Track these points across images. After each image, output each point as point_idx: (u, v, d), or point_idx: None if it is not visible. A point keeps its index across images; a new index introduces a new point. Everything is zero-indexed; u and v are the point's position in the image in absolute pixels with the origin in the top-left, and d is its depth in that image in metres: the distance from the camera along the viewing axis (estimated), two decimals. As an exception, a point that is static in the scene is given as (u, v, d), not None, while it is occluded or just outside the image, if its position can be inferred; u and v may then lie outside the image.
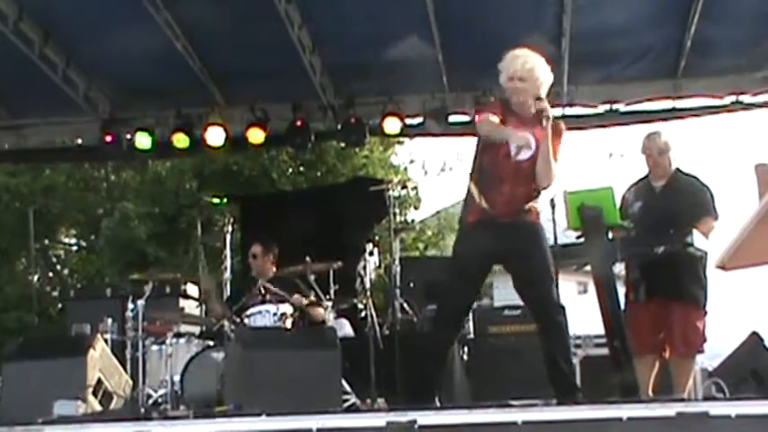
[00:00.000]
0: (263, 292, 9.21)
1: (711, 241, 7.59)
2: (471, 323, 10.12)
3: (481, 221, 6.85)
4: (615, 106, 11.42)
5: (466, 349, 9.98)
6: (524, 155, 6.71)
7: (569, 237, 7.60)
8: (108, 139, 11.82)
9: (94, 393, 6.67)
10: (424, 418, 5.39)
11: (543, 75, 6.91)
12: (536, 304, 6.92)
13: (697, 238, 7.53)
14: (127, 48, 10.48)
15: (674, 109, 11.39)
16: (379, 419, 5.47)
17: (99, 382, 6.76)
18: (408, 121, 11.66)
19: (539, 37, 10.22)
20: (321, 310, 9.21)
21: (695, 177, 7.90)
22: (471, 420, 5.35)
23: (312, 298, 9.23)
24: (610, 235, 7.35)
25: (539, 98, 6.84)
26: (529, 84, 6.84)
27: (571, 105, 11.45)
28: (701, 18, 10.00)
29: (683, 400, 6.74)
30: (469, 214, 6.96)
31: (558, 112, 11.27)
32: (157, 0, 9.72)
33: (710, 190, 7.82)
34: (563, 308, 6.80)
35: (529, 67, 6.86)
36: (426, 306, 10.52)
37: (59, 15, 10.14)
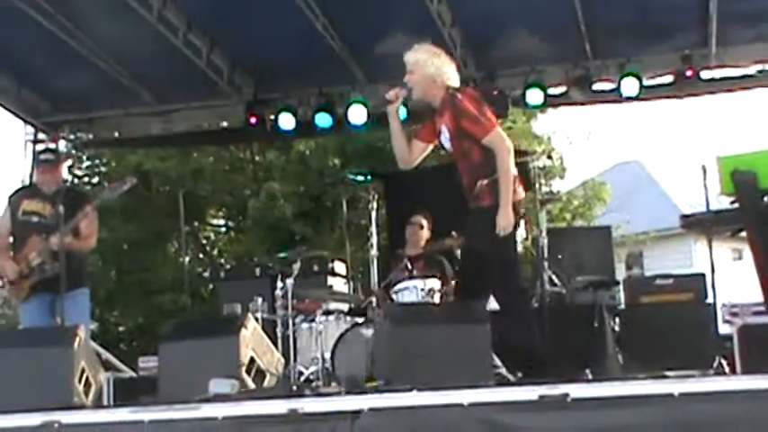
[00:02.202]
0: (410, 267, 9.22)
1: None
2: (622, 293, 9.99)
3: None
4: (767, 66, 11.09)
5: (617, 320, 9.81)
6: (448, 146, 7.18)
7: (723, 203, 7.40)
8: (252, 120, 11.96)
9: (248, 371, 6.74)
10: (577, 390, 5.32)
11: (432, 63, 7.11)
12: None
13: None
14: (268, 30, 10.59)
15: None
16: (532, 393, 5.41)
17: (252, 360, 6.84)
18: (551, 90, 11.52)
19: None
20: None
21: None
22: (625, 392, 5.25)
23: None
24: (766, 199, 7.12)
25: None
26: (416, 76, 7.12)
27: (721, 67, 11.15)
28: None
29: None
30: None
31: (707, 74, 11.02)
32: (298, -20, 9.81)
33: None
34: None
35: (413, 59, 7.15)
36: (575, 277, 10.40)
37: (202, 1, 10.29)
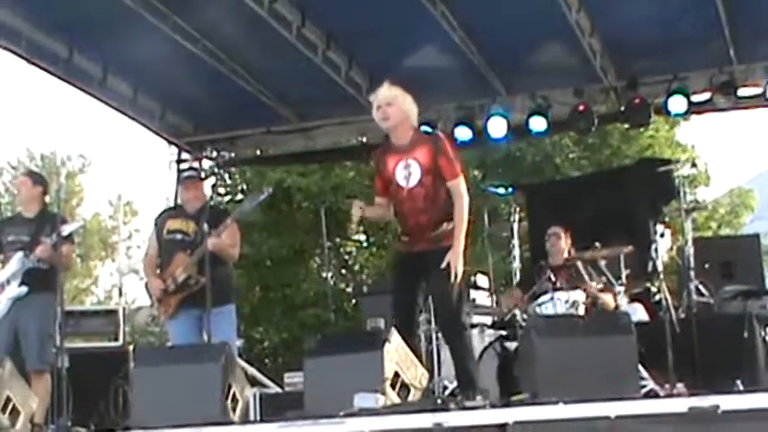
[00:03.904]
0: (553, 279, 9.14)
1: None
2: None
3: (402, 252, 7.60)
4: None
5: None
6: (413, 181, 7.27)
7: None
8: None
9: (392, 386, 6.74)
10: (728, 402, 5.21)
11: (408, 101, 7.42)
12: (438, 321, 7.81)
13: None
14: (406, 44, 10.64)
15: None
16: (681, 405, 5.33)
17: (396, 374, 6.83)
18: (695, 97, 11.31)
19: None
20: (611, 298, 9.08)
21: None
22: (779, 405, 5.13)
23: (602, 284, 9.13)
24: None
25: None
26: (395, 108, 7.34)
27: None
28: None
29: None
30: (399, 244, 7.69)
31: None
32: (435, -3, 9.83)
33: None
34: (459, 326, 7.33)
35: (392, 93, 7.39)
36: (723, 287, 10.18)
37: (340, 19, 10.38)
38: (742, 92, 11.17)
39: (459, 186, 7.32)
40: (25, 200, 8.98)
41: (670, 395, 7.15)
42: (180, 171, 12.41)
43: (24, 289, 8.45)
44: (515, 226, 9.70)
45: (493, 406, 6.50)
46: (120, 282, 28.22)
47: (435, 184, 7.28)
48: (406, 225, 7.40)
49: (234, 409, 6.77)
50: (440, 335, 8.69)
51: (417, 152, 7.32)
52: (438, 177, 7.28)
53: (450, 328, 7.42)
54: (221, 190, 22.43)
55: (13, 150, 41.99)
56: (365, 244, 24.33)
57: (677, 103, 11.24)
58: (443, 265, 7.13)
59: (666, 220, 11.42)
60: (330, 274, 21.38)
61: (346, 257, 24.15)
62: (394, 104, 7.39)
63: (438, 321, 7.92)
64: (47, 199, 9.01)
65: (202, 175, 9.81)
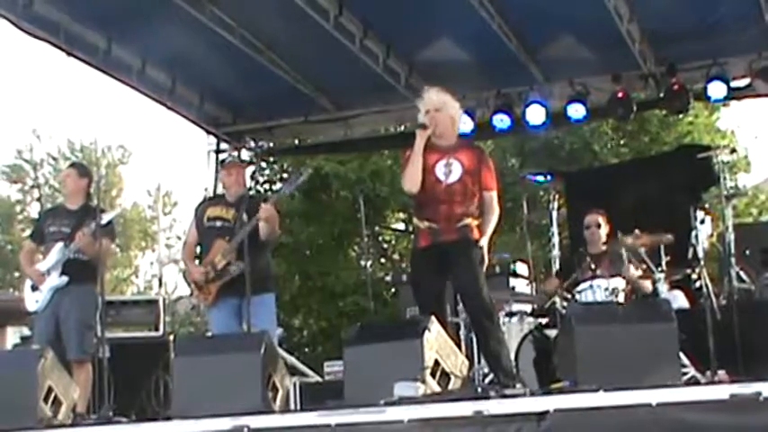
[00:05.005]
0: (593, 267, 9.12)
1: None
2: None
3: (423, 247, 7.51)
4: None
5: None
6: (453, 177, 7.43)
7: None
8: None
9: (432, 374, 6.74)
10: (771, 389, 5.19)
11: (456, 107, 7.71)
12: (468, 311, 7.82)
13: None
14: (444, 32, 10.63)
15: None
16: (722, 392, 5.31)
17: (436, 363, 6.84)
18: (734, 83, 11.24)
19: None
20: (649, 284, 9.05)
21: None
22: (823, 391, 5.10)
23: (641, 271, 9.09)
24: None
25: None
26: (443, 113, 7.55)
27: None
28: None
29: None
30: (420, 240, 7.57)
31: None
32: (471, -18, 9.80)
33: None
34: (491, 313, 7.44)
35: (441, 99, 7.62)
36: (764, 273, 10.12)
37: (377, 7, 10.38)
38: (783, 77, 11.09)
39: (494, 200, 7.61)
40: (71, 192, 9.03)
41: (711, 382, 7.12)
42: (219, 161, 12.45)
43: (65, 279, 8.54)
44: (554, 213, 9.67)
45: (533, 394, 6.49)
46: (160, 272, 28.41)
47: (473, 187, 7.47)
48: (437, 213, 7.45)
49: (274, 399, 6.80)
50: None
51: (461, 154, 7.53)
52: (477, 183, 7.50)
53: (481, 319, 7.46)
54: (260, 179, 22.48)
55: (53, 142, 42.33)
56: (403, 232, 24.33)
57: (717, 89, 11.17)
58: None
59: (707, 206, 11.35)
60: (369, 263, 21.40)
61: (385, 246, 24.15)
62: (443, 110, 7.58)
63: (467, 312, 7.93)
64: (91, 191, 9.07)
65: (242, 161, 9.82)
